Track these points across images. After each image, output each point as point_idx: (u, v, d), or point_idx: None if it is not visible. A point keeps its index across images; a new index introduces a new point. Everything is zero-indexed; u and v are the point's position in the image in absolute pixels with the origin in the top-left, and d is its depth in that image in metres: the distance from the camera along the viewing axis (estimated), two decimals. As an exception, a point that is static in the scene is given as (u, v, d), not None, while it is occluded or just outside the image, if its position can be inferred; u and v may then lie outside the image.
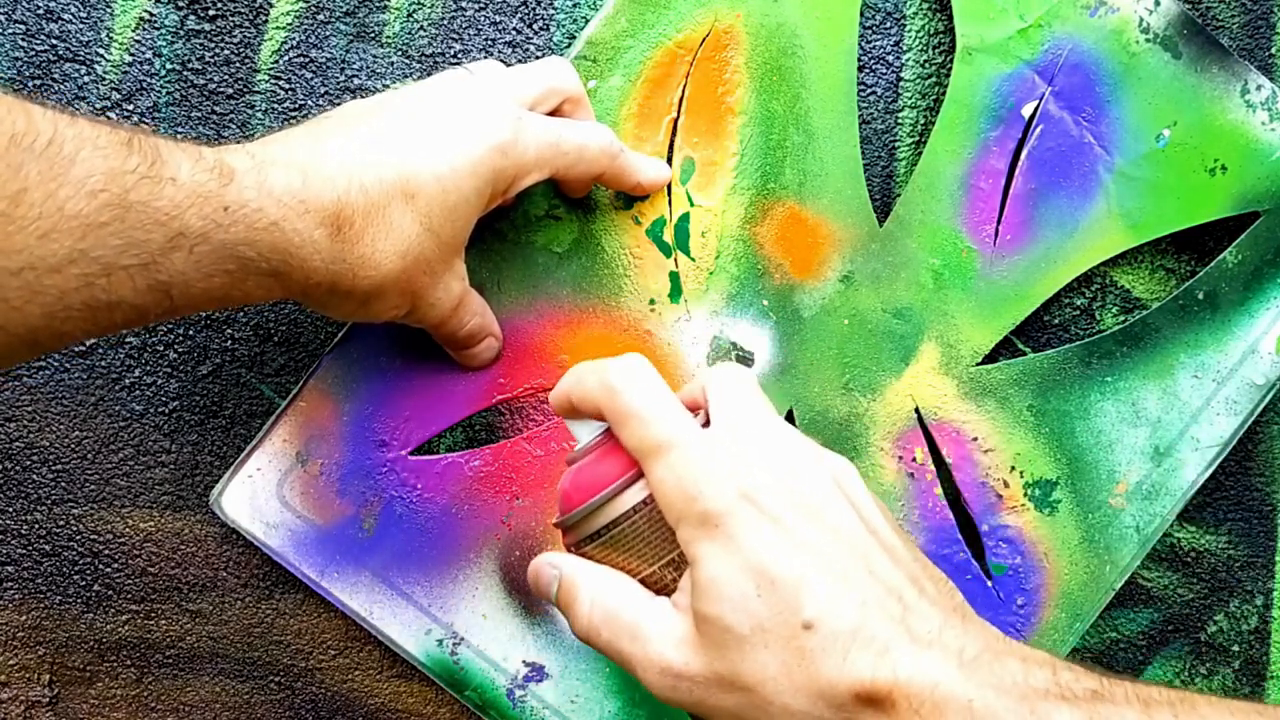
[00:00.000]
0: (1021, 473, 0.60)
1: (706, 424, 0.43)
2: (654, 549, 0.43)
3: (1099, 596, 0.60)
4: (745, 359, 0.59)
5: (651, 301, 0.59)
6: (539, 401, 0.59)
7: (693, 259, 0.60)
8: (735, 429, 0.42)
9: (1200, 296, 0.61)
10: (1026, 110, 0.60)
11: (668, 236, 0.59)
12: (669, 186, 0.59)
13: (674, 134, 0.59)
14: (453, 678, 0.57)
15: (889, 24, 0.63)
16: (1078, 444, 0.60)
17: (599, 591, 0.43)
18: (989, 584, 0.60)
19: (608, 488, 0.43)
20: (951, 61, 0.61)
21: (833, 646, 0.38)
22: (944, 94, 0.61)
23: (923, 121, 0.63)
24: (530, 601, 0.58)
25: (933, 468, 0.60)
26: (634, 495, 0.43)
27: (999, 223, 0.60)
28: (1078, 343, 0.61)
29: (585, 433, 0.45)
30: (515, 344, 0.58)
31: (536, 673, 0.58)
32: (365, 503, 0.57)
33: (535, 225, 0.59)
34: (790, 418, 0.60)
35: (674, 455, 0.41)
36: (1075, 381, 0.61)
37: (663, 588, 0.43)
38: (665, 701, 0.41)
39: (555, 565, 0.45)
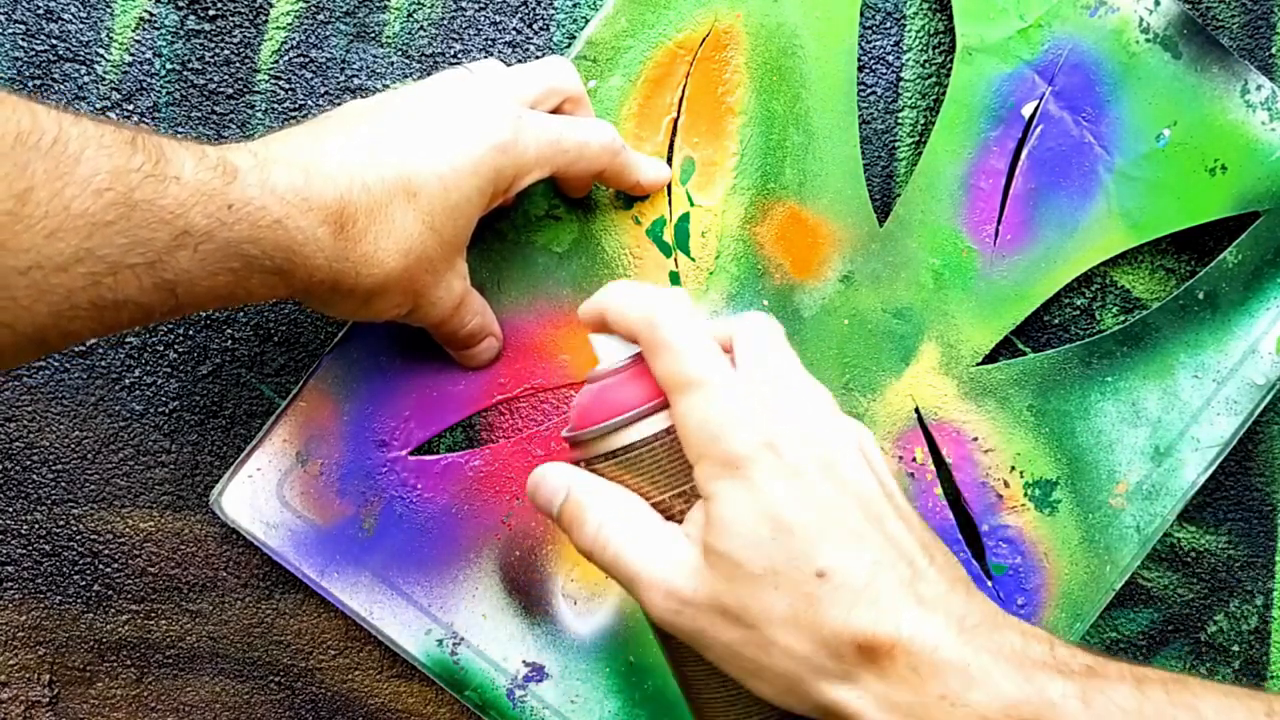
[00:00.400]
0: (1022, 473, 0.60)
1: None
2: (669, 478, 0.43)
3: (1099, 596, 0.60)
4: (745, 359, 0.59)
5: (651, 301, 0.59)
6: (539, 401, 0.59)
7: (693, 259, 0.60)
8: (764, 377, 0.42)
9: (1200, 296, 0.61)
10: (1026, 110, 0.60)
11: (668, 236, 0.59)
12: (669, 186, 0.59)
13: (674, 134, 0.59)
14: (453, 678, 0.57)
15: (889, 24, 0.63)
16: (1078, 444, 0.60)
17: (609, 509, 0.42)
18: (989, 584, 0.60)
19: (633, 410, 0.43)
20: (951, 61, 0.61)
21: (842, 597, 0.38)
22: (944, 94, 0.61)
23: (923, 121, 0.63)
24: (530, 601, 0.58)
25: (933, 468, 0.60)
26: (657, 422, 0.43)
27: (999, 223, 0.60)
28: (1078, 343, 0.61)
29: (611, 351, 0.45)
30: (515, 344, 0.58)
31: (536, 673, 0.58)
32: (365, 503, 0.57)
33: (535, 225, 0.59)
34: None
35: (704, 393, 0.41)
36: (1075, 381, 0.61)
37: (669, 517, 0.43)
38: (665, 626, 0.41)
39: (563, 478, 0.44)
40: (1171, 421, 0.61)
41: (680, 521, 0.43)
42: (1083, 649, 0.39)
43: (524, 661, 0.58)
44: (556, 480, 0.44)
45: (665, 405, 0.43)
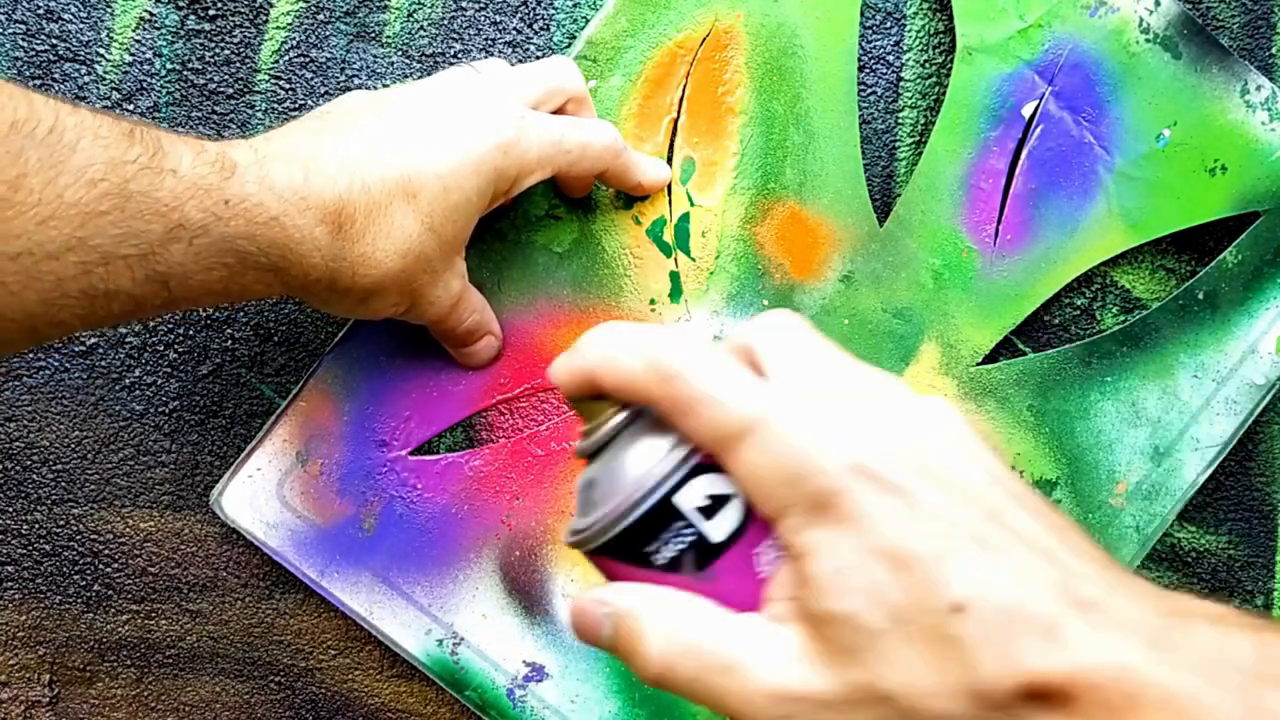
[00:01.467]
0: (1022, 472, 0.60)
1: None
2: None
3: (1099, 596, 0.60)
4: (745, 359, 0.59)
5: (652, 301, 0.59)
6: (539, 401, 0.59)
7: (693, 259, 0.60)
8: (821, 387, 0.34)
9: (1200, 296, 0.61)
10: (1026, 110, 0.60)
11: (668, 236, 0.59)
12: (669, 186, 0.59)
13: (674, 134, 0.59)
14: (453, 677, 0.57)
15: (889, 24, 0.63)
16: (1078, 444, 0.61)
17: (671, 623, 0.34)
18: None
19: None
20: (951, 61, 0.61)
21: (990, 632, 0.30)
22: (944, 94, 0.61)
23: (923, 121, 0.63)
24: (530, 601, 0.58)
25: (933, 468, 0.60)
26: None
27: (999, 223, 0.60)
28: (1078, 343, 0.61)
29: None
30: (515, 344, 0.58)
31: (536, 672, 0.58)
32: (365, 502, 0.57)
33: (535, 225, 0.59)
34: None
35: (765, 433, 0.33)
36: (1075, 381, 0.61)
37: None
38: None
39: (605, 602, 0.36)
40: (1171, 421, 0.61)
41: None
42: (1266, 621, 0.32)
43: (524, 661, 0.58)
44: (595, 607, 0.36)
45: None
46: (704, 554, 0.34)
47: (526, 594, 0.58)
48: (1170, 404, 0.61)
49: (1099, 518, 0.60)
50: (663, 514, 0.34)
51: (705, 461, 0.35)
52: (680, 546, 0.34)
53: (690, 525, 0.34)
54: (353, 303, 0.49)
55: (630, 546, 0.35)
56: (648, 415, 0.36)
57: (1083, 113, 0.60)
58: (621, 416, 0.36)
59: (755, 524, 0.35)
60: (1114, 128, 0.61)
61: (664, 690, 0.35)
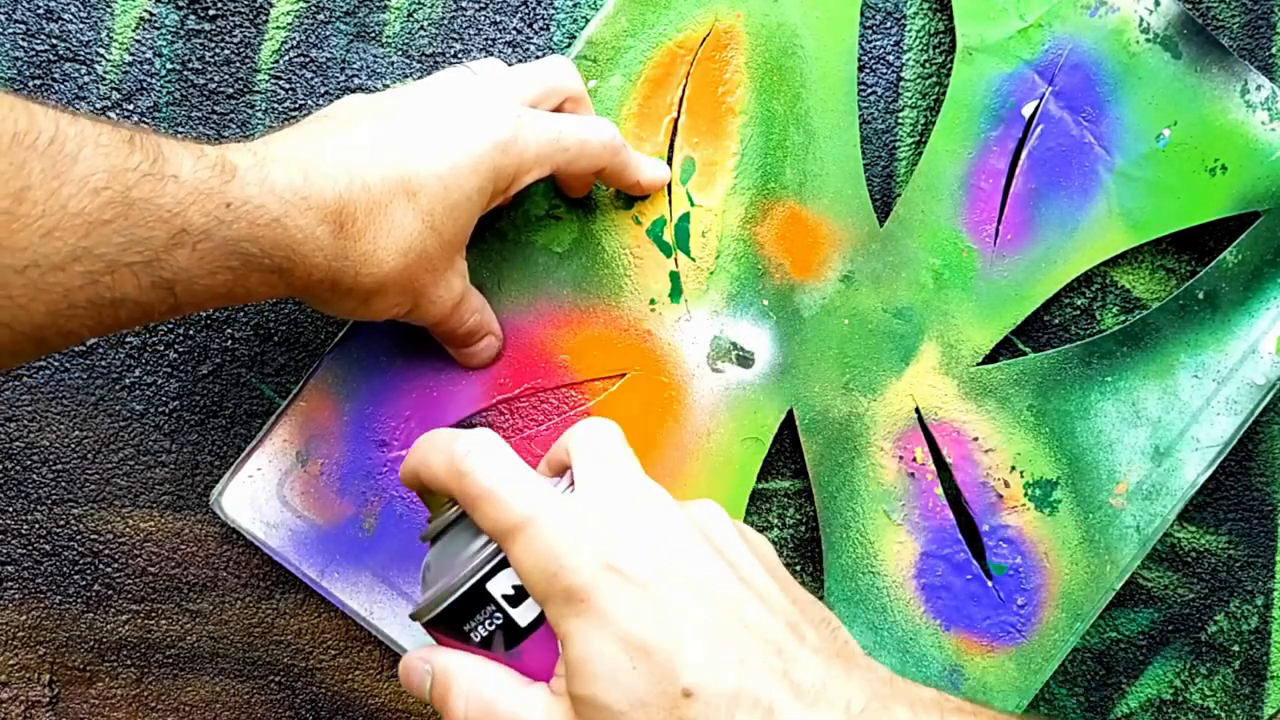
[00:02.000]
0: (1022, 473, 0.60)
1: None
2: None
3: (1099, 596, 0.60)
4: (745, 359, 0.60)
5: (652, 301, 0.59)
6: (539, 401, 0.59)
7: (693, 259, 0.60)
8: (596, 493, 0.40)
9: (1200, 296, 0.61)
10: (1027, 110, 0.60)
11: (668, 236, 0.60)
12: (669, 186, 0.59)
13: (674, 134, 0.59)
14: (453, 678, 0.57)
15: (889, 24, 0.63)
16: (1078, 444, 0.61)
17: (473, 685, 0.40)
18: (989, 584, 0.60)
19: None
20: (951, 61, 0.61)
21: (715, 713, 0.35)
22: (944, 94, 0.61)
23: (923, 121, 0.63)
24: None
25: (933, 468, 0.60)
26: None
27: (999, 222, 0.60)
28: (1078, 343, 0.61)
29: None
30: (515, 344, 0.58)
31: (536, 673, 0.58)
32: (365, 502, 0.57)
33: (535, 225, 0.59)
34: (790, 418, 0.60)
35: (531, 533, 0.38)
36: (1075, 381, 0.61)
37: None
38: None
39: (425, 660, 0.42)
40: (1171, 421, 0.61)
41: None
42: (973, 706, 0.38)
43: (524, 661, 0.58)
44: (418, 665, 0.42)
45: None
46: (511, 634, 0.40)
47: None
48: (1170, 404, 0.61)
49: (1099, 518, 0.60)
50: (477, 598, 0.40)
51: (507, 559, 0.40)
52: (491, 627, 0.40)
53: (499, 609, 0.40)
54: (355, 303, 0.49)
55: (453, 623, 0.41)
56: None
57: (1083, 112, 0.61)
58: (455, 510, 0.42)
59: None
60: (1114, 127, 0.61)
61: None
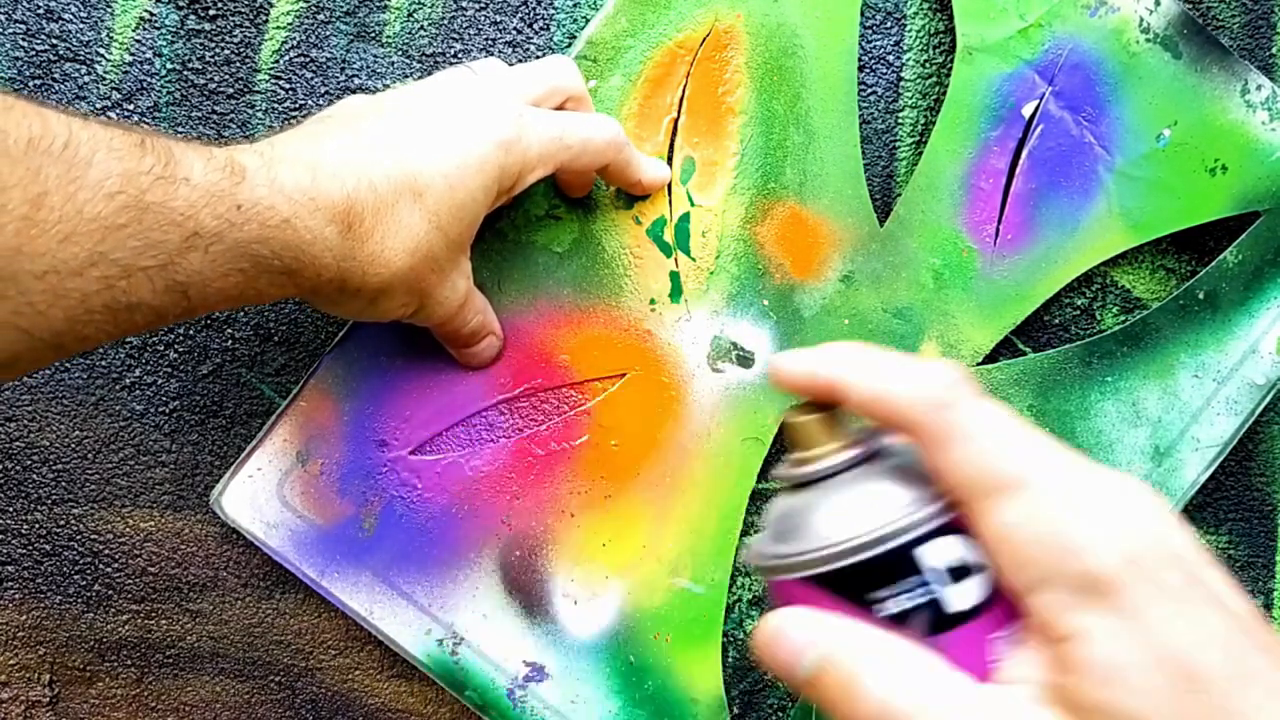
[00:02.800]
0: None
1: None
2: None
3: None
4: (746, 359, 0.60)
5: (652, 301, 0.60)
6: (539, 401, 0.59)
7: (693, 259, 0.60)
8: (1070, 470, 0.32)
9: (1200, 296, 0.62)
10: (1027, 110, 0.61)
11: (668, 236, 0.60)
12: (669, 186, 0.60)
13: (674, 134, 0.60)
14: (453, 678, 0.58)
15: (889, 24, 0.63)
16: (1078, 444, 0.61)
17: (897, 674, 0.32)
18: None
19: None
20: (952, 61, 0.61)
21: None
22: (944, 94, 0.61)
23: (923, 121, 0.63)
24: (530, 601, 0.58)
25: (933, 468, 0.60)
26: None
27: (999, 222, 0.61)
28: (1078, 343, 0.62)
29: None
30: (515, 344, 0.59)
31: (537, 673, 0.58)
32: (365, 502, 0.58)
33: (536, 225, 0.59)
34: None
35: (1029, 497, 0.31)
36: (1075, 381, 0.61)
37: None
38: None
39: (810, 636, 0.33)
40: (1172, 421, 0.61)
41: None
42: None
43: (524, 661, 0.58)
44: (799, 636, 0.33)
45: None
46: (937, 620, 0.32)
47: (526, 594, 0.58)
48: (1171, 404, 0.61)
49: (1099, 518, 0.61)
50: (899, 563, 0.32)
51: (953, 524, 0.33)
52: (912, 604, 0.32)
53: (926, 584, 0.32)
54: (363, 303, 0.50)
55: (851, 586, 0.33)
56: (885, 459, 0.35)
57: (1083, 112, 0.61)
58: (856, 452, 0.34)
59: (1000, 605, 0.33)
60: (1114, 127, 0.61)
61: None
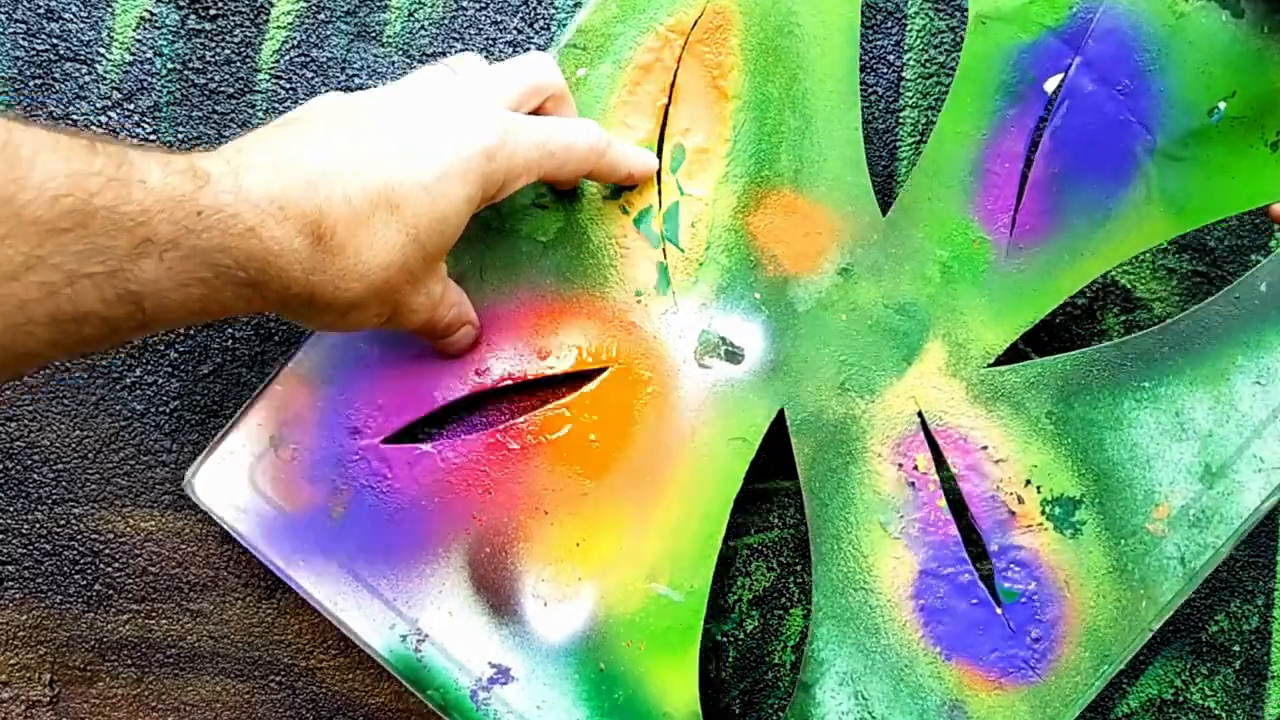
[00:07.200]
0: (1038, 487, 0.60)
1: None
2: None
3: (1132, 636, 0.59)
4: (734, 354, 0.62)
5: (638, 293, 0.62)
6: (517, 394, 0.63)
7: (681, 250, 0.62)
8: None
9: (1262, 289, 0.60)
10: (1050, 85, 0.61)
11: (656, 226, 0.63)
12: (659, 175, 0.63)
13: (665, 121, 0.63)
14: (415, 676, 0.61)
15: (889, 23, 0.65)
16: (1107, 458, 0.60)
17: None
18: (998, 611, 0.60)
19: None
20: (954, 61, 0.62)
21: None
22: (946, 94, 0.62)
23: (924, 121, 0.65)
24: (498, 600, 0.61)
25: (936, 477, 0.61)
26: None
27: (1016, 211, 0.61)
28: (1108, 343, 0.61)
29: None
30: (496, 333, 0.62)
31: (502, 675, 0.61)
32: (335, 490, 0.61)
33: (520, 213, 0.63)
34: (781, 419, 0.62)
35: None
36: (1104, 387, 0.60)
37: None
38: None
39: None
40: (1227, 436, 0.60)
41: None
42: None
43: (489, 662, 0.61)
44: None
45: None
46: None
47: (494, 592, 0.61)
48: (1225, 415, 0.60)
49: (1133, 545, 0.59)
50: None
51: None
52: None
53: None
54: (333, 317, 0.51)
55: None
56: None
57: (1118, 85, 0.61)
58: None
59: None
60: (1156, 102, 0.60)
61: None
